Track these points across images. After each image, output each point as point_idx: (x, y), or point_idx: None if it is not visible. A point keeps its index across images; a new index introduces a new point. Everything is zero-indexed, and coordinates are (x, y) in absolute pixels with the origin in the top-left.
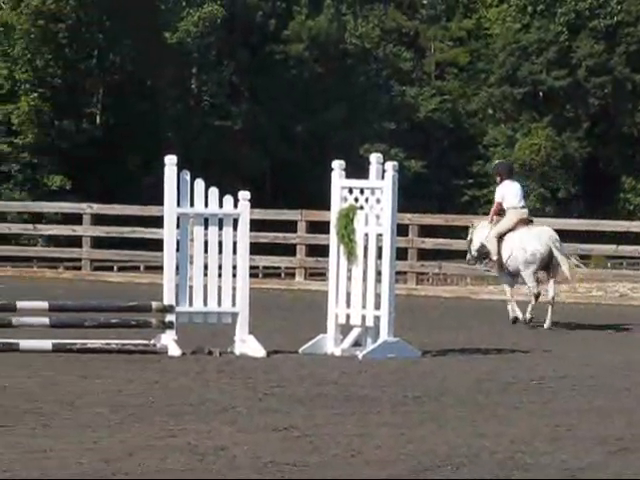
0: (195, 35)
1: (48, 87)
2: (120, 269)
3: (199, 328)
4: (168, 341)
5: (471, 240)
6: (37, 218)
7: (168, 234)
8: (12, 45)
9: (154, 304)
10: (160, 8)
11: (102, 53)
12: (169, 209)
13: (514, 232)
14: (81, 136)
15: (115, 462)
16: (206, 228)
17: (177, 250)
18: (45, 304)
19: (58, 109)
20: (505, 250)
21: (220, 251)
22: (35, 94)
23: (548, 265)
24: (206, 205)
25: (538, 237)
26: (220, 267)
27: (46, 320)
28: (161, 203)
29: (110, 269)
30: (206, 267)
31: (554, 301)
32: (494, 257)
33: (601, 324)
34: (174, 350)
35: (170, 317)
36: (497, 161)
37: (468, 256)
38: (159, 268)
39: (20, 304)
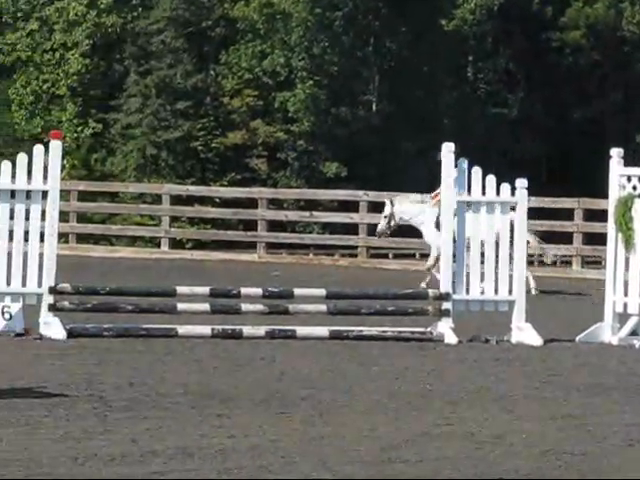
0: (472, 23)
1: (324, 75)
2: (395, 256)
3: (476, 316)
4: (445, 329)
5: (392, 214)
6: (313, 205)
7: (445, 222)
8: (289, 33)
9: (431, 292)
10: None
11: (378, 40)
12: (447, 196)
13: None
14: (357, 123)
15: (392, 449)
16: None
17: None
18: (322, 291)
19: (334, 96)
20: None
21: (497, 239)
22: (311, 82)
23: None
24: (483, 193)
25: None
26: (497, 255)
27: (323, 307)
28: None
29: (386, 256)
30: (483, 255)
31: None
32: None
33: None
34: (450, 338)
35: (447, 305)
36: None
37: (381, 228)
38: None
39: (297, 291)
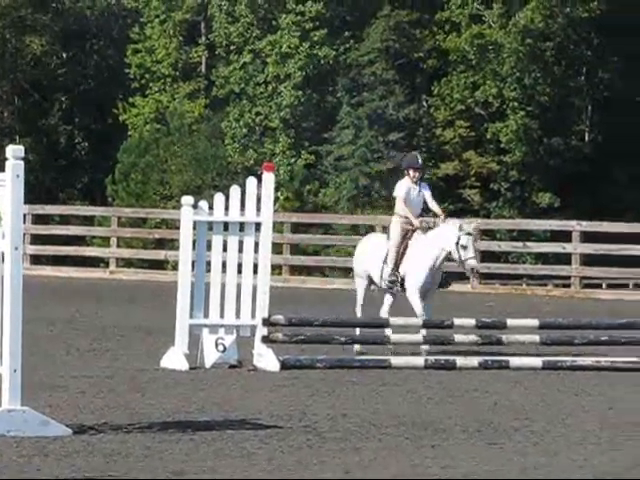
0: None
1: (536, 105)
2: (609, 286)
3: None
4: None
5: None
6: (526, 236)
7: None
8: (501, 64)
9: None
10: None
11: (590, 70)
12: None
13: None
14: (569, 153)
15: None
16: None
17: None
18: (535, 322)
19: (546, 126)
20: None
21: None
22: (523, 112)
23: None
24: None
25: None
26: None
27: (536, 338)
28: None
29: (599, 286)
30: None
31: None
32: None
33: None
34: None
35: None
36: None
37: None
38: None
39: (510, 322)
